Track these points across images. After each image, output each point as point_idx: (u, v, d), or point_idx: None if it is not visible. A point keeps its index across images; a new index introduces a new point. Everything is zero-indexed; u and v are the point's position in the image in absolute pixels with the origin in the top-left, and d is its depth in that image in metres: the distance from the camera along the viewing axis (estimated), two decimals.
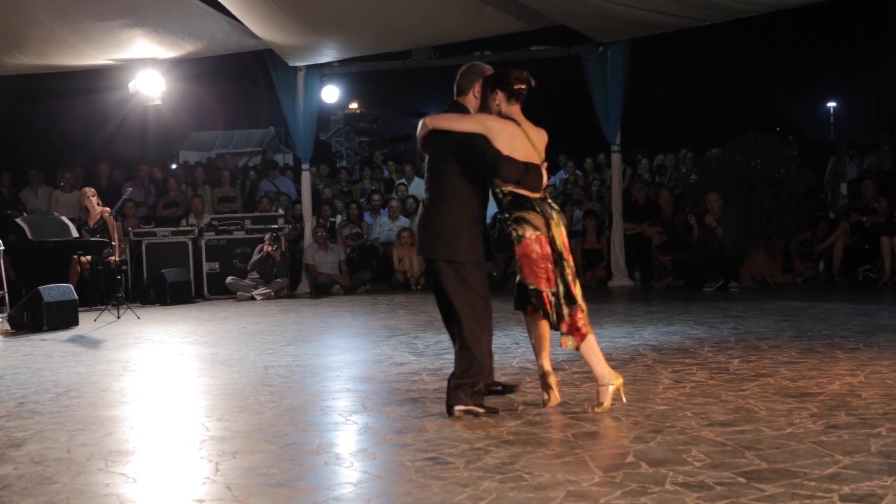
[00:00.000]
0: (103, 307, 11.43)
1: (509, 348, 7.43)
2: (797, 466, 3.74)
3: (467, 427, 4.64)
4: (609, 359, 6.66)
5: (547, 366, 5.22)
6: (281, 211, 14.79)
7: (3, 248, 10.84)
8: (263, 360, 7.27)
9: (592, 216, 14.07)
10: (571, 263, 5.14)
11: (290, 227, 14.63)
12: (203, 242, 13.90)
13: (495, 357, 5.88)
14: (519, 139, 5.10)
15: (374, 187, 17.35)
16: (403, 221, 15.51)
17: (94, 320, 10.71)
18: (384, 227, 15.58)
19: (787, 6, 11.46)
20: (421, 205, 5.80)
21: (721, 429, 4.42)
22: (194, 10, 12.36)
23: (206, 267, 13.84)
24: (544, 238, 5.07)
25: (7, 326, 10.11)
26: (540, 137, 5.24)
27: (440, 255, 5.15)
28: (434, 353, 7.25)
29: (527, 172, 5.05)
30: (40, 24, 12.00)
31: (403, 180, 17.12)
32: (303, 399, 5.67)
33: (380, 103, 46.88)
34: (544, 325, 5.20)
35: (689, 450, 4.05)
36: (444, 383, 5.84)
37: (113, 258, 12.18)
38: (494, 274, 14.05)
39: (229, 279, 13.56)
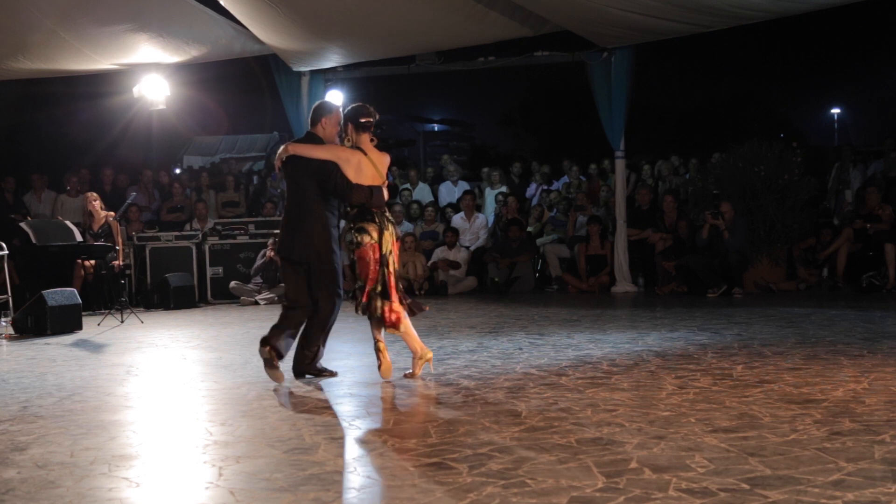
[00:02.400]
0: (107, 311, 11.44)
1: (513, 353, 7.42)
2: (801, 473, 3.73)
3: (470, 432, 4.64)
4: (612, 364, 6.69)
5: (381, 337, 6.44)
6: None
7: (7, 252, 10.86)
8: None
9: (596, 222, 14.07)
10: (395, 267, 6.37)
11: None
12: (207, 247, 13.91)
13: (499, 362, 6.88)
14: (365, 165, 6.36)
15: None
16: (407, 227, 15.52)
17: (98, 324, 10.71)
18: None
19: (791, 13, 11.45)
20: (284, 214, 6.83)
21: (725, 435, 4.41)
22: (199, 14, 12.38)
23: (209, 271, 13.85)
24: (376, 245, 6.30)
25: (11, 330, 10.11)
26: (382, 162, 6.48)
27: (308, 258, 6.45)
28: (437, 359, 7.24)
29: (371, 195, 6.31)
30: (45, 29, 12.02)
31: (408, 185, 17.12)
32: (306, 404, 5.67)
33: (383, 108, 46.62)
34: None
35: (693, 456, 4.04)
36: (448, 388, 5.85)
37: (117, 262, 12.19)
38: (497, 280, 14.07)
39: (233, 284, 13.57)
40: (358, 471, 4.05)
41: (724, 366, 6.48)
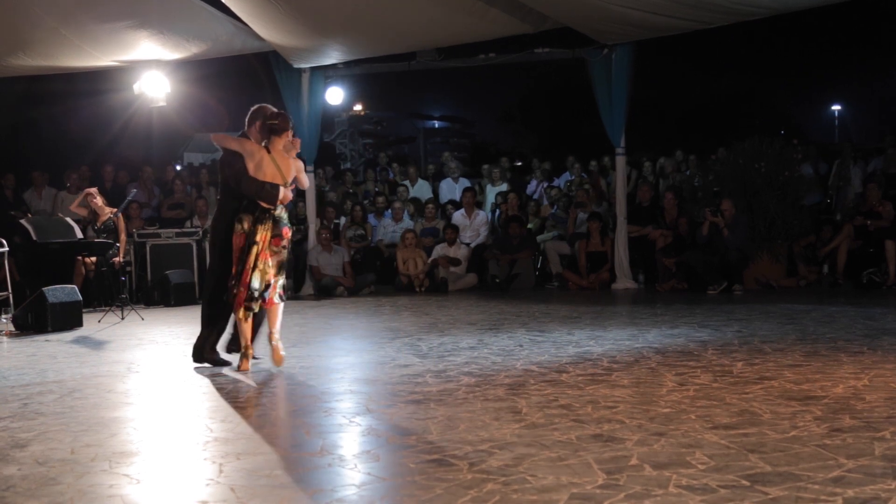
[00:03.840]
0: (107, 308, 11.45)
1: (513, 350, 7.42)
2: (801, 470, 3.73)
3: (471, 429, 4.64)
4: (612, 361, 6.69)
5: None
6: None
7: (7, 249, 10.86)
8: (267, 362, 7.27)
9: (596, 219, 14.06)
10: (258, 260, 6.84)
11: (294, 228, 14.63)
12: (207, 244, 13.87)
13: (500, 359, 6.91)
14: (266, 163, 6.90)
15: (377, 189, 17.36)
16: (407, 223, 15.52)
17: (99, 321, 10.72)
18: (388, 228, 15.61)
19: (791, 9, 11.46)
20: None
21: (725, 432, 4.41)
22: (199, 11, 12.37)
23: None
24: (243, 235, 6.85)
25: (11, 327, 10.12)
26: (287, 166, 6.99)
27: (211, 237, 7.38)
28: (437, 356, 7.25)
29: (262, 190, 6.84)
30: (46, 26, 12.02)
31: (407, 182, 17.13)
32: (306, 401, 5.67)
33: (384, 105, 46.91)
34: (270, 309, 6.95)
35: (693, 452, 4.04)
36: (448, 385, 5.85)
37: (117, 259, 12.20)
38: (497, 277, 14.07)
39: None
40: (358, 468, 4.05)
41: (724, 362, 6.48)
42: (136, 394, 6.20)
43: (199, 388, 6.28)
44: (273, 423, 5.00)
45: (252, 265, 6.83)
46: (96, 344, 9.02)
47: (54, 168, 16.05)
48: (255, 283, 6.85)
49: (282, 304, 7.01)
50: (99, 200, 12.69)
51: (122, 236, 12.60)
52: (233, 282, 6.88)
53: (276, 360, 6.86)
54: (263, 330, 7.08)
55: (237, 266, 6.87)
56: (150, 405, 5.78)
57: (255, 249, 6.85)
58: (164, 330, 10.00)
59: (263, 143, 7.02)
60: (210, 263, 7.46)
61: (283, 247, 7.06)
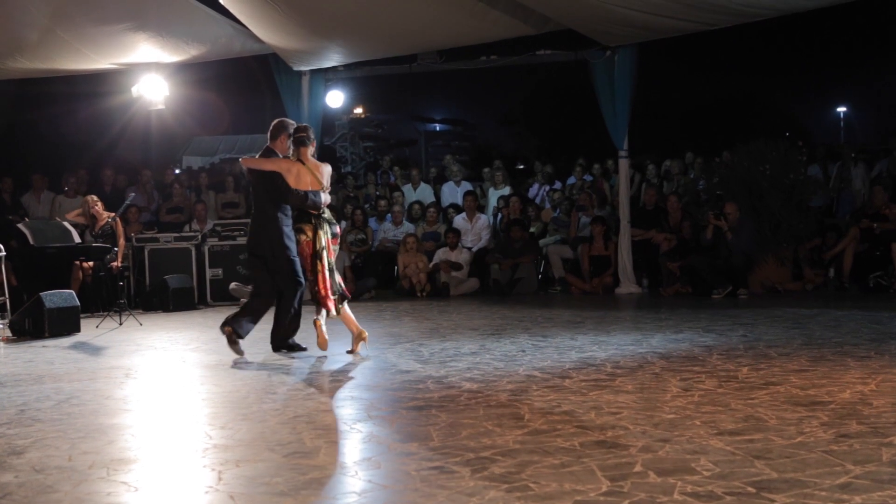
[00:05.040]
0: (105, 314, 11.44)
1: (515, 356, 7.42)
2: (807, 476, 3.72)
3: (473, 436, 4.63)
4: (616, 366, 6.69)
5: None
6: None
7: (4, 253, 10.86)
8: (267, 368, 7.27)
9: (600, 222, 14.04)
10: (328, 261, 7.75)
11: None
12: (206, 248, 13.89)
13: (502, 364, 6.99)
14: (303, 174, 7.70)
15: (379, 193, 17.35)
16: (408, 227, 15.51)
17: (97, 327, 10.71)
18: (388, 232, 15.60)
19: (796, 10, 11.45)
20: (251, 216, 8.29)
21: (730, 438, 4.40)
22: (198, 13, 12.37)
23: (209, 273, 13.83)
24: (311, 242, 7.75)
25: (8, 333, 10.11)
26: (320, 171, 7.75)
27: (264, 252, 7.89)
28: (439, 361, 7.24)
29: (307, 199, 7.69)
30: (43, 28, 12.02)
31: (409, 185, 17.11)
32: (307, 407, 5.67)
33: (385, 108, 46.94)
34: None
35: (698, 459, 4.04)
36: (450, 391, 5.85)
37: (115, 264, 12.19)
38: (499, 281, 14.06)
39: (233, 285, 13.55)
40: (359, 475, 4.04)
41: (729, 368, 6.47)
42: (135, 400, 6.19)
43: (197, 395, 6.28)
44: (273, 429, 4.99)
45: (329, 267, 7.76)
46: (94, 350, 9.01)
47: (52, 171, 16.06)
48: (337, 280, 7.86)
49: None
50: (99, 206, 12.70)
51: (121, 241, 12.60)
52: (316, 287, 7.75)
53: (322, 342, 7.76)
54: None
55: (312, 271, 7.78)
56: (148, 412, 5.77)
57: (324, 254, 7.77)
58: (162, 335, 10.00)
59: (293, 155, 7.84)
60: (280, 270, 7.89)
61: (337, 244, 8.07)
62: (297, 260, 7.86)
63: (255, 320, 7.92)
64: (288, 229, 7.83)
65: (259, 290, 8.02)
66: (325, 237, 7.77)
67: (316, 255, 7.74)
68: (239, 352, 7.79)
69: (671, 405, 5.23)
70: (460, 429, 4.81)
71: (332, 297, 7.74)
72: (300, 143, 7.81)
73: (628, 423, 4.79)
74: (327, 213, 7.89)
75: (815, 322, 9.05)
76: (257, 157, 8.09)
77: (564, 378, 6.27)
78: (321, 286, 7.70)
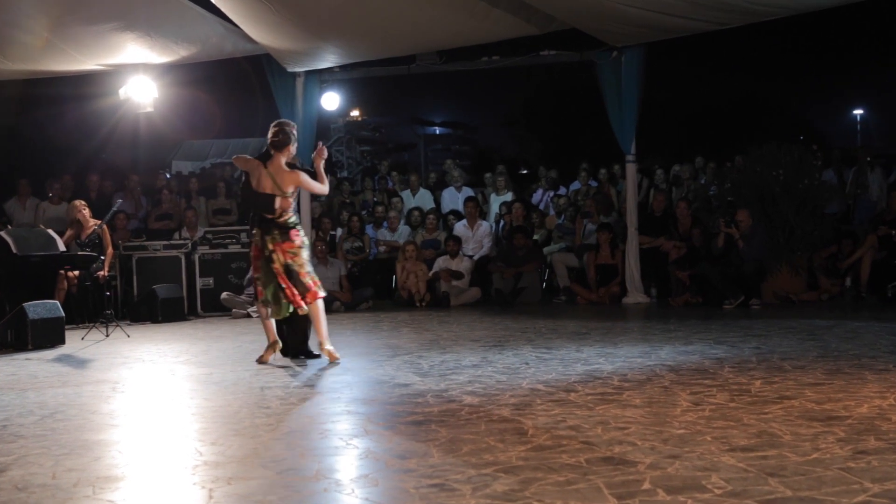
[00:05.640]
0: (91, 325, 11.43)
1: (519, 368, 7.41)
2: (823, 494, 3.72)
3: (474, 452, 4.63)
4: (623, 379, 6.68)
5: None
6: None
7: None
8: (260, 381, 7.26)
9: (606, 229, 14.03)
10: (287, 263, 8.11)
11: None
12: (197, 257, 13.90)
13: (505, 377, 6.98)
14: (264, 177, 8.08)
15: (376, 199, 17.36)
16: (404, 231, 15.50)
17: (82, 339, 10.71)
18: (385, 238, 15.60)
19: (810, 9, 11.47)
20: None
21: (742, 454, 4.40)
22: (188, 13, 12.38)
23: (199, 282, 13.83)
24: (257, 246, 8.17)
25: None
26: (284, 178, 8.07)
27: None
28: (439, 374, 7.24)
29: (259, 200, 8.09)
30: (27, 28, 12.03)
31: (408, 191, 17.12)
32: (301, 422, 5.66)
33: (382, 111, 47.10)
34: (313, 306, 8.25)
35: (709, 476, 4.03)
36: (450, 404, 5.85)
37: (101, 273, 12.19)
38: (502, 290, 14.06)
39: (224, 295, 13.56)
40: (355, 493, 4.04)
41: (741, 381, 6.47)
42: (122, 415, 6.18)
43: (187, 409, 6.27)
44: (266, 445, 4.99)
45: (284, 267, 8.12)
46: (79, 362, 9.00)
47: (36, 177, 16.08)
48: (297, 281, 8.15)
49: (321, 297, 8.31)
50: (86, 212, 12.70)
51: (109, 249, 12.59)
52: (257, 287, 8.26)
53: (332, 358, 8.18)
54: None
55: (258, 274, 8.22)
56: (136, 427, 5.77)
57: (275, 258, 8.11)
58: (150, 348, 9.99)
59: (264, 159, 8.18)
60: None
61: (299, 247, 8.19)
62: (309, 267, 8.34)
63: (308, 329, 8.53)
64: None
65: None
66: (271, 242, 8.09)
67: (268, 259, 8.11)
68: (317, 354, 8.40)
69: (681, 420, 5.22)
70: (461, 444, 4.80)
71: (305, 296, 8.17)
72: (273, 145, 8.17)
73: (636, 439, 4.79)
74: (286, 218, 8.15)
75: (831, 333, 9.05)
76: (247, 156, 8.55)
77: (569, 392, 6.27)
78: (285, 286, 8.10)
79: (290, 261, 8.13)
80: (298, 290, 8.13)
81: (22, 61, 12.97)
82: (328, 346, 8.21)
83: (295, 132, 8.32)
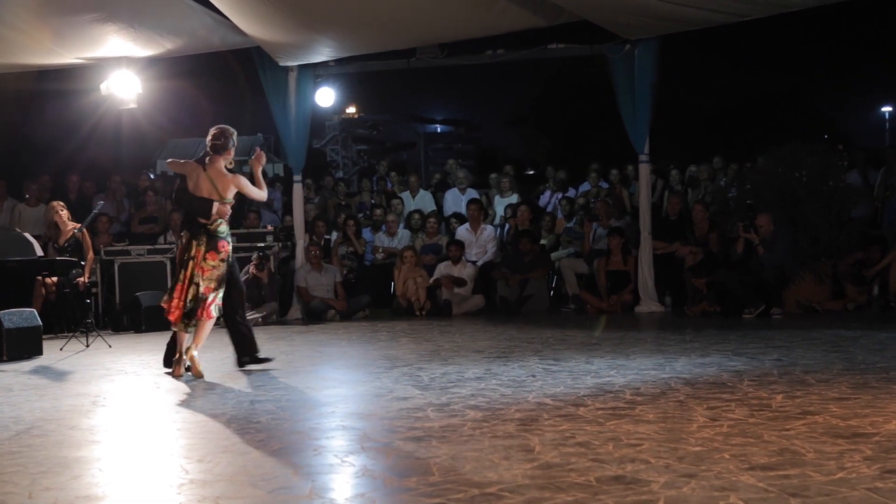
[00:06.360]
0: (70, 334, 11.43)
1: (525, 381, 7.41)
2: None
3: (477, 470, 4.63)
4: (636, 393, 6.69)
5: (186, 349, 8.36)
6: (270, 227, 14.77)
7: None
8: (249, 394, 7.27)
9: (618, 234, 14.01)
10: (193, 273, 8.25)
11: (280, 245, 14.63)
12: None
13: (510, 391, 7.00)
14: (202, 180, 8.27)
15: (374, 201, 17.35)
16: (403, 235, 15.49)
17: (61, 349, 10.71)
18: (383, 243, 15.59)
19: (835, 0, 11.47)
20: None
21: (763, 473, 4.40)
22: (173, 2, 12.38)
23: None
24: (181, 249, 8.39)
25: None
26: (224, 183, 8.31)
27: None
28: (440, 387, 7.24)
29: (194, 204, 8.27)
30: (1, 19, 12.02)
31: (408, 192, 17.12)
32: (293, 438, 5.66)
33: (380, 107, 47.09)
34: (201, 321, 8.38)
35: (728, 496, 4.03)
36: (451, 419, 5.85)
37: (81, 279, 12.19)
38: (507, 298, 14.06)
39: None
40: None
41: (761, 395, 6.47)
42: (103, 430, 6.18)
43: (172, 424, 6.27)
44: (256, 462, 4.99)
45: (188, 279, 8.25)
46: (58, 374, 9.01)
47: (13, 177, 16.08)
48: (190, 297, 8.27)
49: (213, 319, 8.40)
50: (64, 214, 12.69)
51: (89, 254, 12.58)
52: (166, 296, 8.48)
53: (196, 373, 8.18)
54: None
55: (173, 279, 8.47)
56: (118, 443, 5.77)
57: (191, 264, 8.26)
58: (133, 359, 10.00)
59: (208, 162, 8.36)
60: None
61: (222, 260, 8.35)
62: (236, 267, 8.74)
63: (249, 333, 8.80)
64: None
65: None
66: (197, 247, 8.28)
67: (182, 264, 8.34)
68: (268, 359, 8.74)
69: (697, 437, 5.22)
70: (463, 462, 4.81)
71: (176, 310, 8.32)
72: (213, 149, 8.37)
73: (649, 457, 4.79)
74: (217, 226, 8.35)
75: (858, 345, 9.04)
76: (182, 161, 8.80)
77: (579, 406, 6.27)
78: (178, 298, 8.31)
79: (202, 275, 8.27)
80: (191, 305, 8.29)
81: None
82: (195, 353, 8.30)
83: (235, 138, 8.49)
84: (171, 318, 8.33)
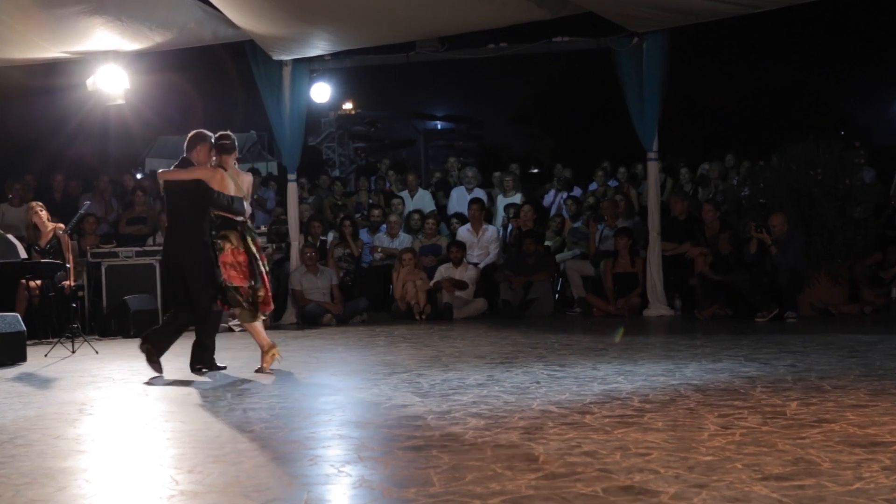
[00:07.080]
0: (56, 340, 11.43)
1: (529, 388, 7.41)
2: None
3: (479, 480, 4.63)
4: (644, 400, 6.69)
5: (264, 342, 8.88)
6: (263, 228, 14.77)
7: None
8: (242, 402, 7.27)
9: (625, 234, 14.01)
10: (263, 264, 8.88)
11: (274, 247, 14.63)
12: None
13: (513, 398, 7.01)
14: (227, 181, 8.73)
15: (372, 201, 17.35)
16: (404, 239, 15.50)
17: (45, 355, 10.71)
18: (383, 244, 15.59)
19: None
20: (167, 227, 9.47)
21: (777, 483, 4.40)
22: None
23: None
24: (238, 250, 8.75)
25: None
26: (242, 180, 8.94)
27: (182, 261, 8.77)
28: (441, 394, 7.24)
29: (233, 204, 8.72)
30: None
31: (406, 192, 17.11)
32: (288, 447, 5.66)
33: (378, 103, 47.13)
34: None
35: None
36: (453, 428, 5.85)
37: (67, 283, 12.19)
38: (510, 302, 14.06)
39: None
40: None
41: (775, 402, 6.47)
42: (90, 440, 6.19)
43: (162, 433, 6.28)
44: (249, 473, 4.99)
45: (264, 271, 8.85)
46: (43, 382, 9.01)
47: None
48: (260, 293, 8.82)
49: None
50: (43, 215, 12.67)
51: (69, 256, 12.53)
52: (260, 292, 8.83)
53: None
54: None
55: (252, 276, 8.79)
56: (105, 453, 5.77)
57: (259, 257, 8.81)
58: (121, 365, 9.99)
59: (213, 163, 8.86)
60: (199, 280, 8.81)
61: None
62: (219, 271, 8.81)
63: (175, 337, 8.97)
64: (208, 240, 8.83)
65: (175, 302, 9.15)
66: (252, 243, 8.85)
67: (253, 258, 8.80)
68: (158, 370, 8.72)
69: (708, 445, 5.22)
70: (465, 472, 4.81)
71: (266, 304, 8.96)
72: (223, 150, 8.87)
73: (659, 466, 4.79)
74: (250, 223, 9.05)
75: (876, 350, 9.05)
76: (172, 168, 9.10)
77: (585, 414, 6.27)
78: (264, 290, 8.84)
79: (265, 264, 9.02)
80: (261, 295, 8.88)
81: None
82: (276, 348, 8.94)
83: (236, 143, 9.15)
84: (270, 308, 9.24)
